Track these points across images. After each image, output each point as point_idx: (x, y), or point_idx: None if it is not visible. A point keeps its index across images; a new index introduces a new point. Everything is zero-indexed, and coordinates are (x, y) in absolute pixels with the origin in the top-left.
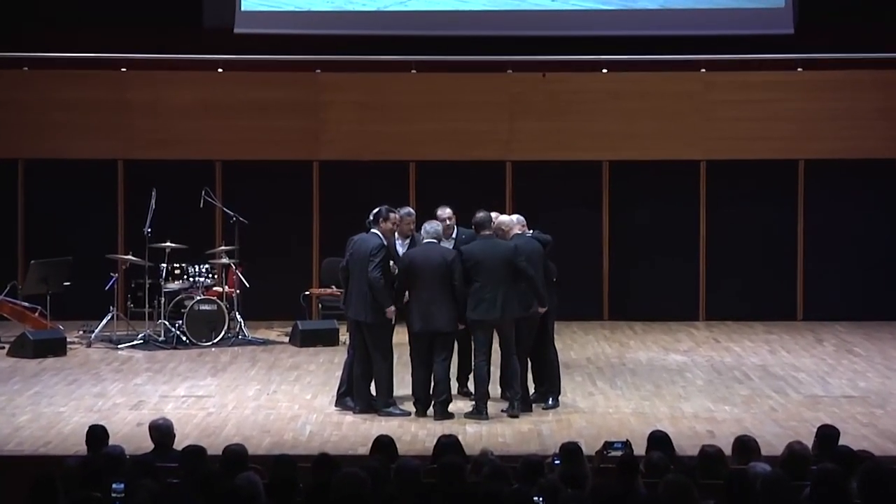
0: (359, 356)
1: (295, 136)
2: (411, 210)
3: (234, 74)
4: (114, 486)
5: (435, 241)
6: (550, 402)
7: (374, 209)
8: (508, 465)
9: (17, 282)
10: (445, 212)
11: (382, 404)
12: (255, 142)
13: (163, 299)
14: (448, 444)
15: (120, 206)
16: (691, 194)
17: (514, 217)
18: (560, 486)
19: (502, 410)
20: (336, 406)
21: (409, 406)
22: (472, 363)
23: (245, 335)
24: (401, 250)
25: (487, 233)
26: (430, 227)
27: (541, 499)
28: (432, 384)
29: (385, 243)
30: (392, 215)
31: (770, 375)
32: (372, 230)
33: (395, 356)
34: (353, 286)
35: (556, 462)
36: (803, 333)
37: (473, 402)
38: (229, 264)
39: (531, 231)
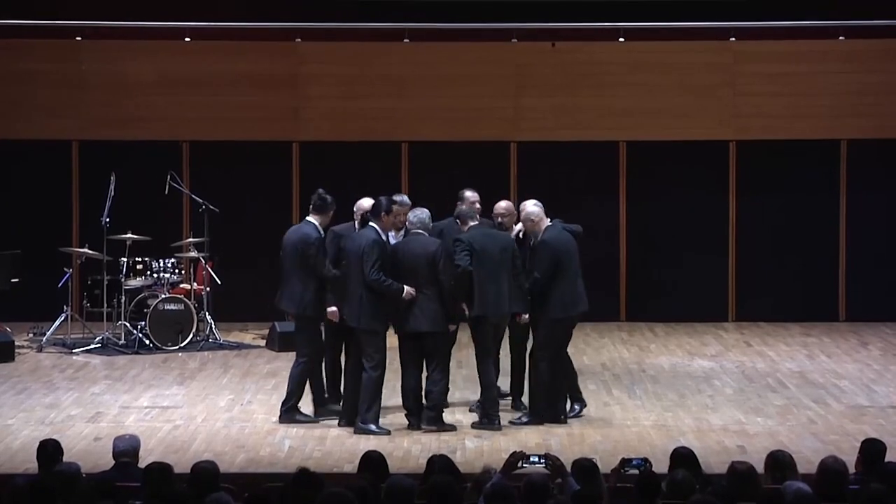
0: (353, 365)
1: (272, 113)
2: (406, 198)
3: (203, 44)
4: None
5: (422, 231)
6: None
7: (316, 192)
8: (514, 485)
9: None
10: (475, 195)
11: (361, 419)
12: (227, 120)
13: (123, 298)
14: (440, 462)
15: (74, 193)
16: (720, 179)
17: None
18: None
19: (510, 422)
20: (282, 421)
21: (401, 418)
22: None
23: (216, 338)
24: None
25: (475, 223)
26: (418, 214)
27: None
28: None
29: (383, 238)
30: (395, 207)
31: (808, 383)
32: (370, 224)
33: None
34: (350, 288)
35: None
36: (846, 336)
37: (478, 413)
38: (198, 258)
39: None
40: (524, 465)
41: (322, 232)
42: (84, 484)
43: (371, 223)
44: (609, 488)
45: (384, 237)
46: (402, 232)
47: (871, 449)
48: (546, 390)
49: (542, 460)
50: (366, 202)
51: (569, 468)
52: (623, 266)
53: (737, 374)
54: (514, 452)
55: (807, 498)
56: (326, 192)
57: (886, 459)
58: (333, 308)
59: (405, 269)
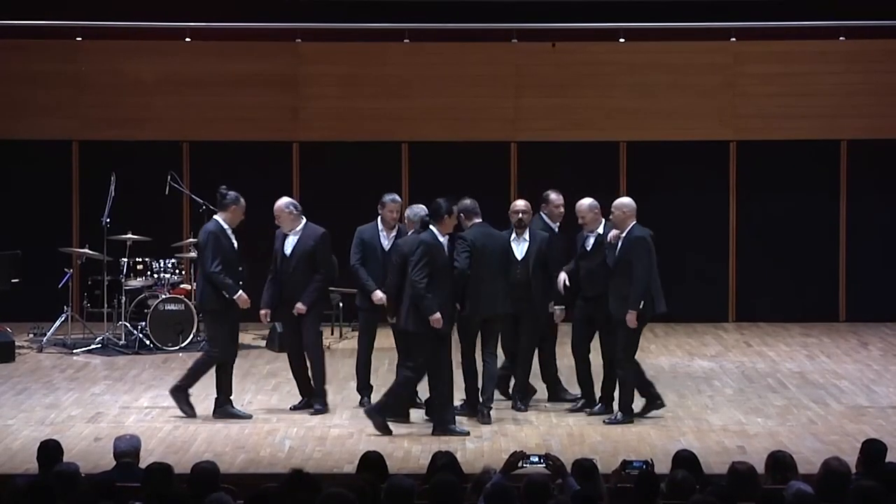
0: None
1: (272, 113)
2: (396, 196)
3: (202, 44)
4: None
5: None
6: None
7: (223, 189)
8: (514, 486)
9: None
10: (559, 198)
11: (376, 408)
12: (227, 120)
13: (123, 298)
14: (444, 464)
15: (74, 194)
16: (720, 179)
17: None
18: None
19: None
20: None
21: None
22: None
23: None
24: (386, 244)
25: (479, 220)
26: (417, 211)
27: None
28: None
29: (439, 241)
30: (390, 204)
31: (808, 383)
32: (429, 227)
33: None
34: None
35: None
36: (846, 336)
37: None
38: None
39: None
40: (524, 465)
41: (226, 227)
42: (84, 484)
43: (430, 226)
44: (609, 489)
45: (441, 241)
46: (394, 231)
47: (872, 449)
48: (639, 386)
49: (542, 460)
50: (281, 201)
51: (569, 468)
52: None
53: (737, 374)
54: (515, 452)
55: (808, 498)
56: (228, 189)
57: (887, 460)
58: (240, 292)
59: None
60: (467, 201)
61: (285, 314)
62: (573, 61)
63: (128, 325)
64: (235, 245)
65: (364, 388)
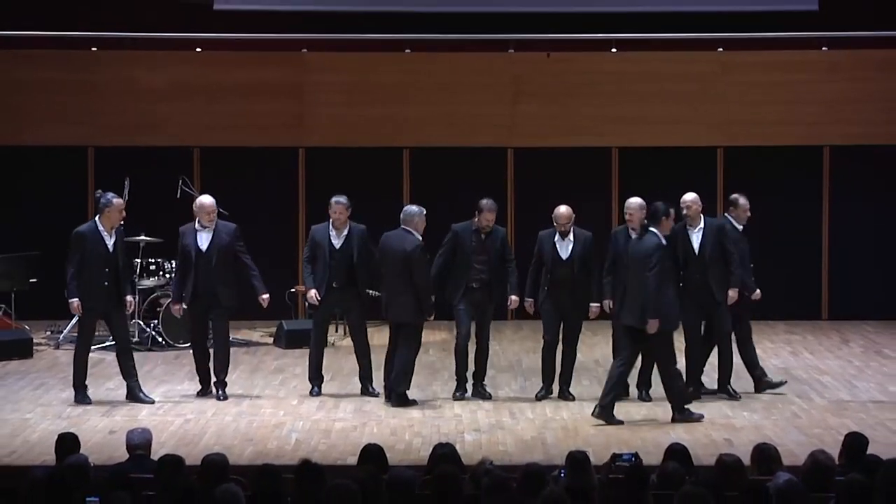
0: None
1: (279, 120)
2: (340, 198)
3: (213, 54)
4: (88, 499)
5: (409, 229)
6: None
7: None
8: (510, 476)
9: None
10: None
11: (601, 405)
12: (236, 127)
13: (137, 297)
14: (444, 454)
15: (90, 197)
16: (708, 184)
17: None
18: (565, 499)
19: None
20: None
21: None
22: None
23: None
24: (337, 243)
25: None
26: (406, 209)
27: None
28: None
29: (664, 242)
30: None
31: (792, 379)
32: (650, 228)
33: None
34: (629, 287)
35: (562, 475)
36: (828, 334)
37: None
38: None
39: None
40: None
41: (100, 229)
42: (95, 475)
43: (651, 228)
44: (601, 480)
45: (664, 241)
46: (345, 231)
47: (855, 443)
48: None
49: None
50: (211, 199)
51: (563, 461)
52: None
53: None
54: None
55: (796, 488)
56: (103, 193)
57: (868, 452)
58: (75, 300)
59: (387, 263)
60: (484, 201)
61: (201, 307)
62: (567, 71)
63: (141, 322)
64: (110, 247)
65: (315, 377)
